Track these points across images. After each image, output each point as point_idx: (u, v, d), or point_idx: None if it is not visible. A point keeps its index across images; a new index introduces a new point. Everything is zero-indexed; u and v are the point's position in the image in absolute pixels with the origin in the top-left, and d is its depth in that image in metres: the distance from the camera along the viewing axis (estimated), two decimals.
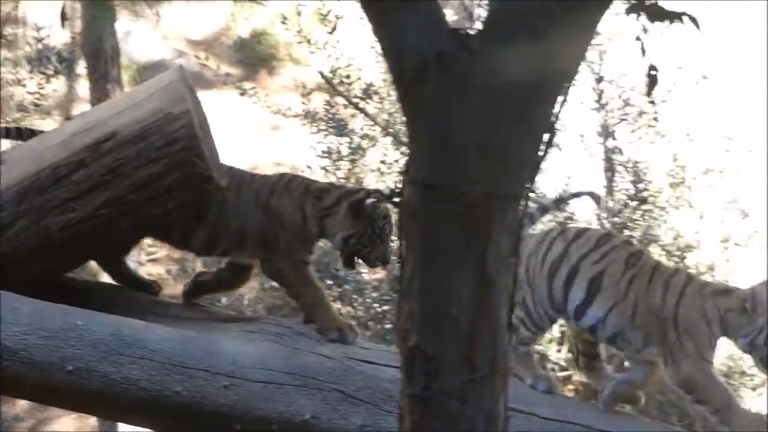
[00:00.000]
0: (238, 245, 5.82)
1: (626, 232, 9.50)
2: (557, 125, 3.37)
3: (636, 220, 9.61)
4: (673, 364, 5.45)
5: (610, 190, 9.74)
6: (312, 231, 5.77)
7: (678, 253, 9.71)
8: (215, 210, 5.77)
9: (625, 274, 5.59)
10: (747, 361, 9.52)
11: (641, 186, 9.71)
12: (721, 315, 5.48)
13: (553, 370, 8.89)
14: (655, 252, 9.42)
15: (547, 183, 9.72)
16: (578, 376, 8.93)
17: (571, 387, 8.94)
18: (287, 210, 5.78)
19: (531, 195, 3.56)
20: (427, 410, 3.53)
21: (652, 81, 3.90)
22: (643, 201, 9.66)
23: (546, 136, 3.35)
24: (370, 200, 5.65)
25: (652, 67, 3.85)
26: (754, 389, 9.93)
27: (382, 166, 10.57)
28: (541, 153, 3.37)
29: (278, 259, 5.78)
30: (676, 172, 10.05)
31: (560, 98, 3.31)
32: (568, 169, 9.76)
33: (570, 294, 5.60)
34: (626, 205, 9.68)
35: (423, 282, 3.44)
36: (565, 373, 8.91)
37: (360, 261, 5.80)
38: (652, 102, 9.90)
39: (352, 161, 10.60)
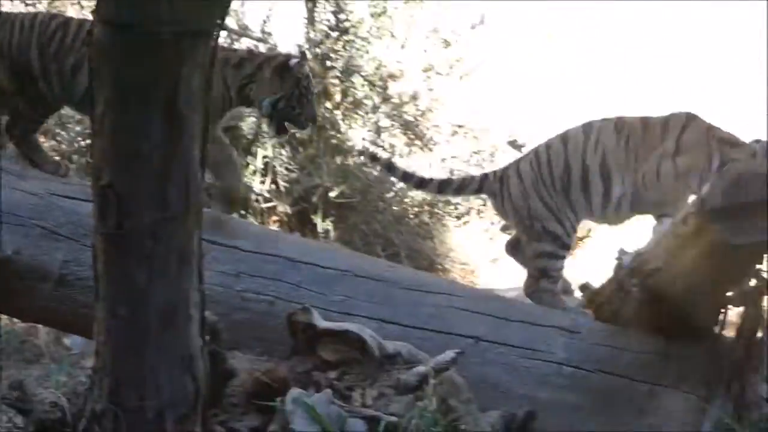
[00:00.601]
0: None
1: (328, 63, 9.53)
2: None
3: (338, 50, 9.63)
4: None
5: (311, 21, 9.68)
6: (231, 98, 5.71)
7: (380, 82, 9.82)
8: None
9: (620, 140, 5.92)
10: None
11: (342, 17, 9.71)
12: (723, 161, 5.76)
13: (257, 201, 8.93)
14: (358, 83, 9.51)
15: (249, 16, 9.63)
16: (282, 208, 9.04)
17: (275, 218, 9.03)
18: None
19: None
20: (120, 249, 3.53)
21: None
22: (345, 31, 9.68)
23: None
24: (294, 60, 5.67)
25: None
26: (458, 218, 10.28)
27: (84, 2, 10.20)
28: None
29: None
30: (377, 2, 10.08)
31: None
32: (268, 3, 9.65)
33: (591, 191, 5.90)
34: (327, 35, 9.67)
35: (114, 121, 3.41)
36: (268, 205, 8.98)
37: (289, 124, 5.77)
38: None
39: None
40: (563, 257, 5.92)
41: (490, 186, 6.12)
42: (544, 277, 5.87)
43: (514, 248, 6.20)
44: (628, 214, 6.01)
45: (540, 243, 5.93)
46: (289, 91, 5.63)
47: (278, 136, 5.92)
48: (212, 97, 5.57)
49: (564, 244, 5.92)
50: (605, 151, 5.92)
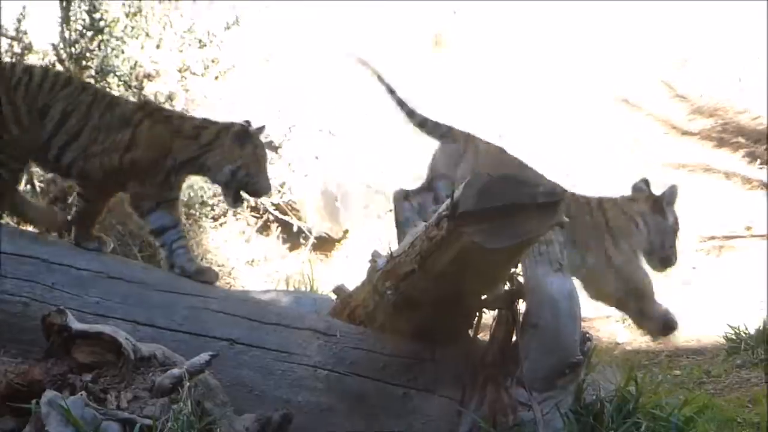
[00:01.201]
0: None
1: (84, 63, 9.41)
2: None
3: (93, 50, 9.50)
4: None
5: (66, 20, 9.52)
6: (173, 168, 5.72)
7: (136, 82, 9.74)
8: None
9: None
10: (208, 192, 9.87)
11: (97, 16, 9.58)
12: None
13: None
14: (113, 83, 9.43)
15: (2, 14, 9.39)
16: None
17: None
18: (154, 142, 5.69)
19: None
20: None
21: None
22: (100, 31, 9.55)
23: None
24: (254, 128, 5.68)
25: None
26: (215, 219, 10.31)
27: None
28: None
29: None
30: (131, 2, 9.97)
31: None
32: (22, 1, 9.43)
33: None
34: (82, 35, 9.52)
35: None
36: None
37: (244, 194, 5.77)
38: None
39: None
40: None
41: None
42: None
43: None
44: None
45: None
46: (248, 159, 5.66)
47: (235, 205, 5.92)
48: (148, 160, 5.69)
49: None
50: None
